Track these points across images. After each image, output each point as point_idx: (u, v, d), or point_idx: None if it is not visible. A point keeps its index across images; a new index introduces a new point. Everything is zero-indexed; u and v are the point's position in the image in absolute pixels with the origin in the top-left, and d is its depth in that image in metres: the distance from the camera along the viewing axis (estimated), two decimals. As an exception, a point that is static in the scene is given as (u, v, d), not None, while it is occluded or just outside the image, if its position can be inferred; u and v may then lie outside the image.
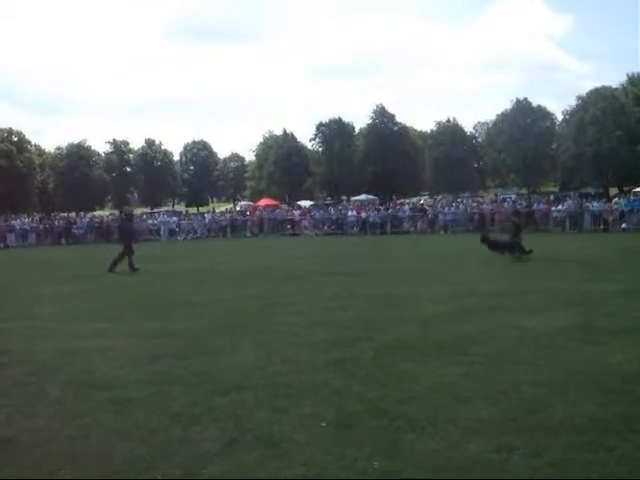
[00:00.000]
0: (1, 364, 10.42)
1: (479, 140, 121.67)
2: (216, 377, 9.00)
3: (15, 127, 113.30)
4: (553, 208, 48.44)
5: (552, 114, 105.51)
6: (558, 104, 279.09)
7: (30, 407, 8.07)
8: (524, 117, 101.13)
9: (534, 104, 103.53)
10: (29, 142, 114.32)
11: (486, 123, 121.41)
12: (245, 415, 7.39)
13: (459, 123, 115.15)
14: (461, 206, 51.76)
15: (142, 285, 21.15)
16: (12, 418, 7.67)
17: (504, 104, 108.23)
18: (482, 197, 74.59)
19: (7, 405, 8.16)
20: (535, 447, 6.19)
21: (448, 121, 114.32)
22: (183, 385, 8.70)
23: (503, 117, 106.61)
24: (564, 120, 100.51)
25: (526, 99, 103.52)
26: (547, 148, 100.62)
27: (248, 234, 53.61)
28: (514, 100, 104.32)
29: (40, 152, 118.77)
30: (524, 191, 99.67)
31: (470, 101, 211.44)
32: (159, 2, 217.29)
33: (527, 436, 6.47)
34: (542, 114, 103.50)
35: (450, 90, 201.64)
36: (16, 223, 56.02)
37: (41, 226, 55.59)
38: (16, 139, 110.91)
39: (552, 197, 60.44)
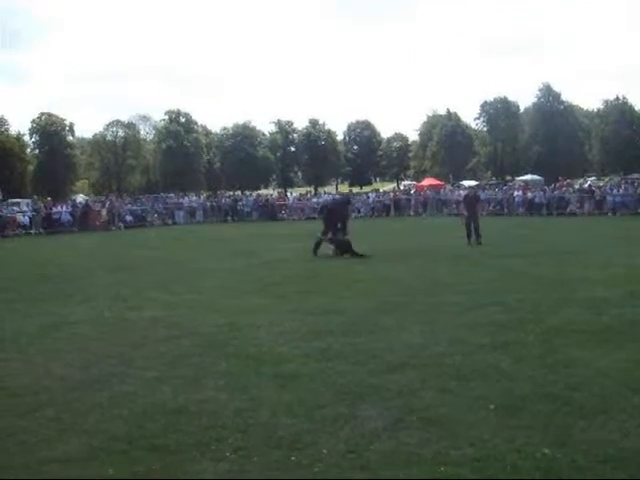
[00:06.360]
0: (171, 336, 10.73)
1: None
2: (382, 355, 9.00)
3: (182, 108, 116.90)
4: None
5: None
6: None
7: (198, 379, 8.28)
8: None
9: None
10: (196, 123, 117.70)
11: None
12: (411, 394, 7.36)
13: (628, 101, 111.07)
14: (630, 187, 49.54)
15: (304, 263, 21.36)
16: (181, 389, 7.90)
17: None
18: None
19: (176, 377, 8.40)
20: None
21: (617, 99, 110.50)
22: (349, 362, 8.73)
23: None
24: None
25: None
26: None
27: (412, 213, 53.35)
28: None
29: (207, 132, 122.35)
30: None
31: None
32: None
33: None
34: None
35: (618, 66, 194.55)
36: (184, 201, 57.81)
37: (208, 204, 57.04)
38: (184, 120, 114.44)
39: None
